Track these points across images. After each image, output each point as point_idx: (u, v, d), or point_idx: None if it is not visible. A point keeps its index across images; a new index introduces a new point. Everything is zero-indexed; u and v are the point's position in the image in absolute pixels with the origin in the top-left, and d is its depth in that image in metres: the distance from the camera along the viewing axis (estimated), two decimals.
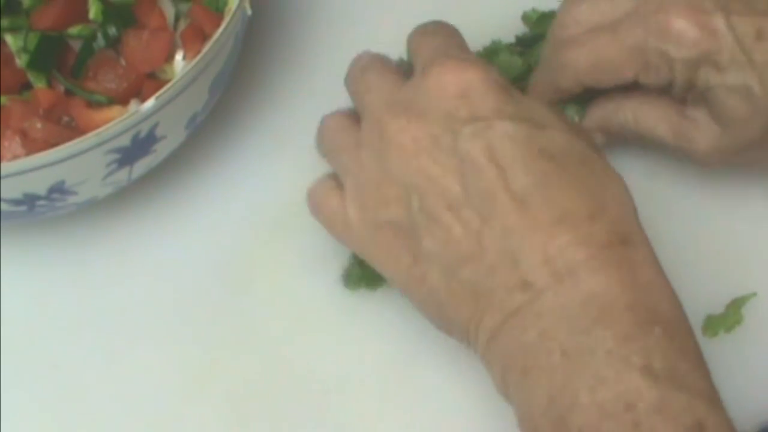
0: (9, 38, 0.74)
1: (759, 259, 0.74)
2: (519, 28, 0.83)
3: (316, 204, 0.69)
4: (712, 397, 0.57)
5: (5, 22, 0.74)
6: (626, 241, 0.59)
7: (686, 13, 0.66)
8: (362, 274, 0.73)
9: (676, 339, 0.57)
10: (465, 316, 0.60)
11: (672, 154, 0.75)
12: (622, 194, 0.62)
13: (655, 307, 0.58)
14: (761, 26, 0.66)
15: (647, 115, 0.72)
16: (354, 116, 0.69)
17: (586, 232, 0.58)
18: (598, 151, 0.63)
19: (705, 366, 0.58)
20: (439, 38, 0.68)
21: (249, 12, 0.73)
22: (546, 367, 0.56)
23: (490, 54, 0.79)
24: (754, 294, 0.72)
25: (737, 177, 0.78)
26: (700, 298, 0.72)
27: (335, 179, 0.68)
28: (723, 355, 0.71)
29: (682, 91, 0.69)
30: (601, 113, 0.74)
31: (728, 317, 0.72)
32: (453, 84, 0.61)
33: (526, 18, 0.83)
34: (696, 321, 0.72)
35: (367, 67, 0.69)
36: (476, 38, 0.81)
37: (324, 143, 0.70)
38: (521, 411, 0.58)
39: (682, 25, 0.66)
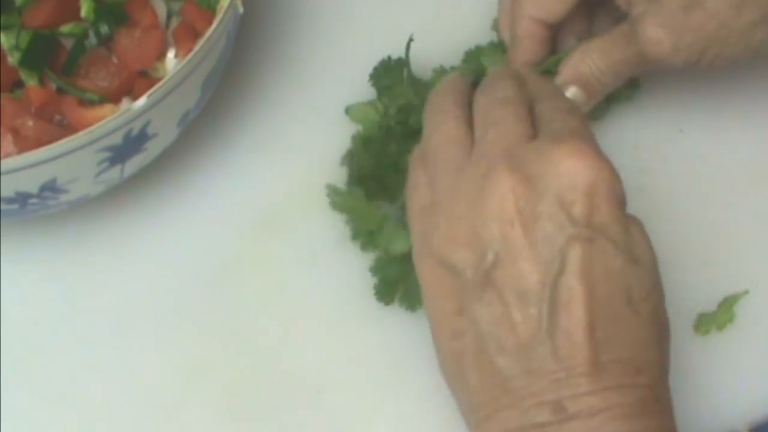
0: (1, 36, 0.74)
1: (751, 258, 0.75)
2: None
3: (411, 164, 0.68)
4: None
5: None
6: (658, 401, 0.59)
7: None
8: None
9: None
10: (481, 399, 0.59)
11: (646, 70, 0.76)
12: (667, 351, 0.62)
13: None
14: None
15: (606, 43, 0.74)
16: (467, 124, 0.66)
17: (631, 383, 0.57)
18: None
19: None
20: (570, 112, 0.66)
21: (241, 10, 0.73)
22: None
23: (472, 57, 0.80)
24: (746, 292, 0.72)
25: (731, 175, 0.78)
26: (692, 296, 0.73)
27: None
28: (715, 353, 0.71)
29: None
30: (570, 65, 0.75)
31: (720, 315, 0.72)
32: (583, 175, 0.58)
33: (496, 26, 0.83)
34: (688, 319, 0.72)
35: (508, 101, 0.66)
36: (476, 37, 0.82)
37: (430, 143, 0.67)
38: None
39: None
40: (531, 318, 0.57)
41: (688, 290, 0.73)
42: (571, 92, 0.74)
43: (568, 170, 0.59)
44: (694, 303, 0.72)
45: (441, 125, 0.66)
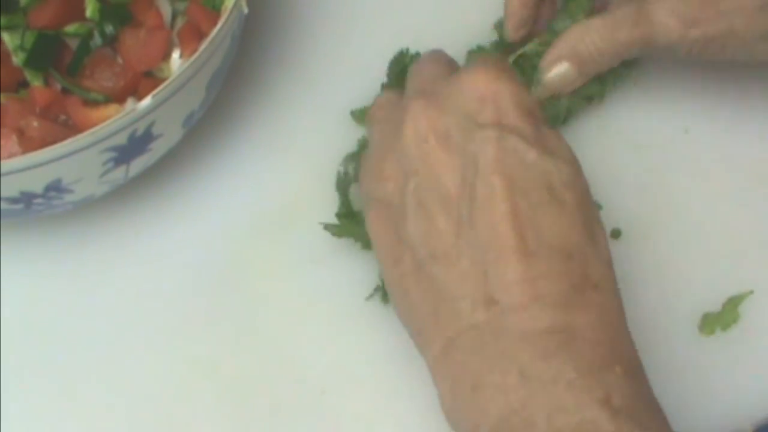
0: (6, 36, 0.74)
1: (756, 258, 0.74)
2: None
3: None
4: None
5: (2, 21, 0.74)
6: (597, 287, 0.59)
7: None
8: None
9: (634, 380, 0.57)
10: (424, 313, 0.60)
11: (644, 54, 0.76)
12: (603, 243, 0.62)
13: (617, 348, 0.58)
14: None
15: (608, 23, 0.73)
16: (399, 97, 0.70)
17: (563, 269, 0.58)
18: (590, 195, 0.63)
19: (661, 411, 0.58)
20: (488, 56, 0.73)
21: (245, 10, 0.73)
22: (501, 387, 0.56)
23: (475, 57, 0.80)
24: (751, 292, 0.72)
25: (737, 175, 0.78)
26: (697, 296, 0.73)
27: None
28: (719, 353, 0.71)
29: None
30: (568, 39, 0.74)
31: (725, 315, 0.72)
32: (484, 87, 0.62)
33: (498, 26, 0.83)
34: (693, 319, 0.72)
35: (432, 58, 0.71)
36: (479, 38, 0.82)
37: (369, 113, 0.72)
38: (466, 427, 0.58)
39: None
40: (454, 221, 0.59)
41: (693, 290, 0.73)
42: (562, 67, 0.74)
43: (472, 85, 0.62)
44: (699, 303, 0.72)
45: (378, 98, 0.73)
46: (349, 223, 0.73)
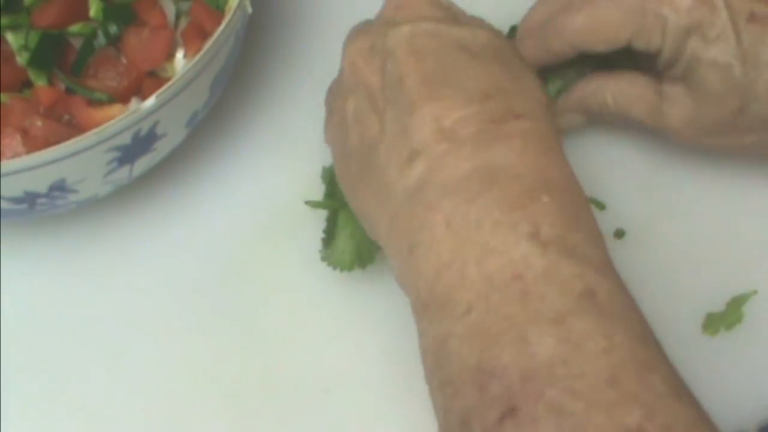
0: (10, 36, 0.74)
1: (760, 257, 0.74)
2: None
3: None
4: (603, 264, 0.56)
5: (6, 20, 0.74)
6: (522, 116, 0.58)
7: None
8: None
9: (566, 208, 0.56)
10: (370, 202, 0.62)
11: (651, 131, 0.75)
12: (532, 86, 0.62)
13: (544, 176, 0.57)
14: (754, 9, 0.66)
15: (625, 95, 0.73)
16: None
17: (480, 108, 0.58)
18: (520, 56, 0.66)
19: (598, 235, 0.57)
20: None
21: (249, 10, 0.73)
22: (431, 242, 0.55)
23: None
24: (755, 292, 0.72)
25: (739, 175, 0.78)
26: (700, 296, 0.72)
27: None
28: (723, 353, 0.71)
29: (667, 63, 0.69)
30: (581, 93, 0.75)
31: (729, 315, 0.72)
32: None
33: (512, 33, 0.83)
34: (696, 319, 0.72)
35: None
36: None
37: None
38: (411, 294, 0.58)
39: None
40: (381, 111, 0.61)
41: (697, 290, 0.73)
42: (570, 117, 0.76)
43: (385, 3, 0.67)
44: (703, 303, 0.72)
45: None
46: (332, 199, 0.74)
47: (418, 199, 0.57)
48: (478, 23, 0.66)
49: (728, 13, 0.66)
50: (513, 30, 0.79)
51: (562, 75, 0.76)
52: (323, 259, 0.72)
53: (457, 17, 0.65)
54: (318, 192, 0.77)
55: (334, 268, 0.71)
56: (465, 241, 0.54)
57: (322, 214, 0.74)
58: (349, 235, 0.71)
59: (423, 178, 0.57)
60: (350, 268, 0.71)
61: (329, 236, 0.72)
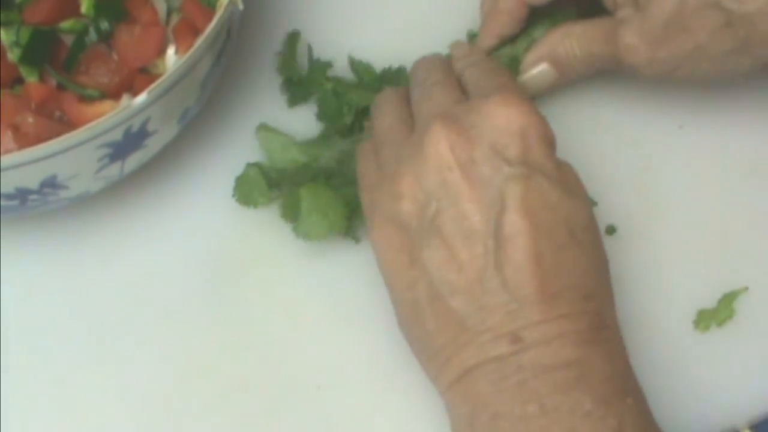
0: (1, 32, 0.73)
1: (751, 254, 0.74)
2: None
3: (360, 154, 0.73)
4: None
5: None
6: (608, 327, 0.61)
7: None
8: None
9: (643, 412, 0.60)
10: (440, 342, 0.61)
11: (616, 71, 0.78)
12: (609, 280, 0.63)
13: (626, 381, 0.60)
14: None
15: (588, 34, 0.76)
16: (410, 115, 0.71)
17: (581, 310, 0.59)
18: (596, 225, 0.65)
19: None
20: (500, 76, 0.71)
21: (241, 6, 0.73)
22: (521, 416, 0.58)
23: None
24: (746, 288, 0.72)
25: (732, 171, 0.78)
26: (692, 292, 0.73)
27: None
28: (715, 350, 0.71)
29: None
30: (549, 43, 0.77)
31: (720, 311, 0.72)
32: (513, 120, 0.62)
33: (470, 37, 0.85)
34: (688, 315, 0.72)
35: (437, 82, 0.71)
36: None
37: (375, 101, 0.75)
38: None
39: None
40: (478, 256, 0.59)
41: (688, 286, 0.73)
42: (541, 68, 0.77)
43: (498, 117, 0.62)
44: (694, 299, 0.72)
45: (386, 113, 0.72)
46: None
47: (510, 374, 0.58)
48: (576, 183, 0.64)
49: None
50: (473, 36, 0.82)
51: (529, 34, 0.79)
52: (295, 232, 0.73)
53: (560, 166, 0.63)
54: None
55: (306, 239, 0.73)
56: (556, 422, 0.57)
57: None
58: (314, 206, 0.73)
59: (520, 358, 0.58)
60: (324, 237, 0.73)
61: (294, 211, 0.74)
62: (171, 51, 0.75)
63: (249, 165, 0.76)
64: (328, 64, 0.82)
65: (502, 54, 0.79)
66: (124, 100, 0.73)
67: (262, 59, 0.85)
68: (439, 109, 0.66)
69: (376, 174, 0.69)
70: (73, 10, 0.75)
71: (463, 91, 0.71)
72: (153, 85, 0.66)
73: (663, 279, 0.73)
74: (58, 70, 0.74)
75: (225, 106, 0.82)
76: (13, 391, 0.71)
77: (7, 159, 0.64)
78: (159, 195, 0.78)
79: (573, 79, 0.79)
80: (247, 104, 0.83)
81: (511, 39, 0.79)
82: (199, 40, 0.69)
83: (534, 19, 0.79)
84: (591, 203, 0.64)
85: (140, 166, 0.74)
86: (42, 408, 0.71)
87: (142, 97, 0.66)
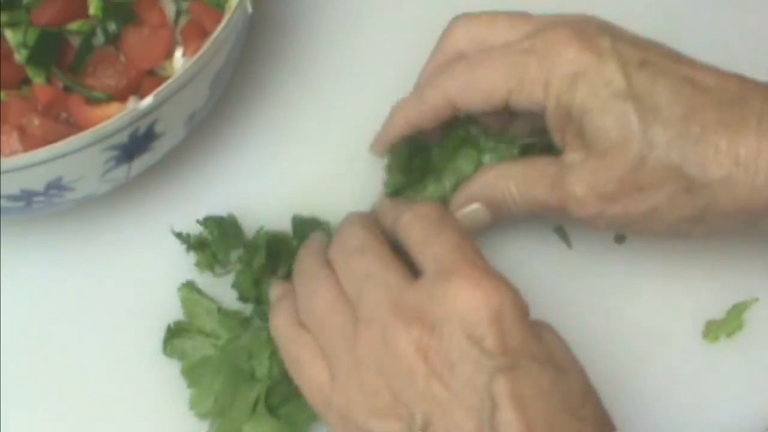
0: (9, 33, 0.74)
1: (761, 265, 0.74)
2: None
3: (292, 356, 0.64)
4: None
5: (5, 17, 0.74)
6: None
7: (571, 32, 0.66)
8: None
9: None
10: None
11: (554, 218, 0.73)
12: None
13: None
14: (645, 57, 0.64)
15: (528, 177, 0.68)
16: (338, 282, 0.63)
17: None
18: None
19: None
20: (452, 234, 0.62)
21: (249, 9, 0.73)
22: None
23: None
24: (756, 299, 0.72)
25: None
26: (701, 303, 0.72)
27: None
28: (724, 361, 0.71)
29: (555, 122, 0.66)
30: (482, 183, 0.70)
31: (729, 322, 0.71)
32: (484, 305, 0.56)
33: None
34: (697, 326, 0.72)
35: (364, 248, 0.64)
36: None
37: (310, 312, 0.64)
38: None
39: (565, 40, 0.65)
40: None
41: (697, 297, 0.72)
42: (473, 208, 0.70)
43: (467, 305, 0.56)
44: (703, 310, 0.72)
45: (316, 292, 0.63)
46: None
47: None
48: (563, 352, 0.59)
49: (617, 58, 0.64)
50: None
51: (456, 167, 0.74)
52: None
53: (542, 337, 0.58)
54: (318, 192, 0.77)
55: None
56: None
57: (324, 214, 0.74)
58: None
59: None
60: None
61: None
62: (179, 53, 0.75)
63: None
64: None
65: (427, 193, 0.74)
66: (131, 102, 0.73)
67: (270, 62, 0.85)
68: (388, 298, 0.59)
69: (321, 368, 0.61)
70: (81, 12, 0.75)
71: (400, 253, 0.64)
72: (160, 88, 0.66)
73: (672, 289, 0.73)
74: (65, 71, 0.74)
75: (233, 109, 0.82)
76: (14, 393, 0.71)
77: (13, 160, 0.64)
78: (165, 197, 0.78)
79: (512, 219, 0.71)
80: (256, 106, 0.83)
81: (436, 177, 0.74)
82: (207, 43, 0.68)
83: (461, 148, 0.74)
84: (582, 369, 0.59)
85: (147, 168, 0.74)
86: (44, 410, 0.71)
87: (148, 100, 0.66)
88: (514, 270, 0.73)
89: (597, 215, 0.66)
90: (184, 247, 0.74)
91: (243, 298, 0.72)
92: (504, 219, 0.71)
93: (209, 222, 0.74)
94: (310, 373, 0.62)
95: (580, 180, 0.65)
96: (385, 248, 0.63)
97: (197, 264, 0.74)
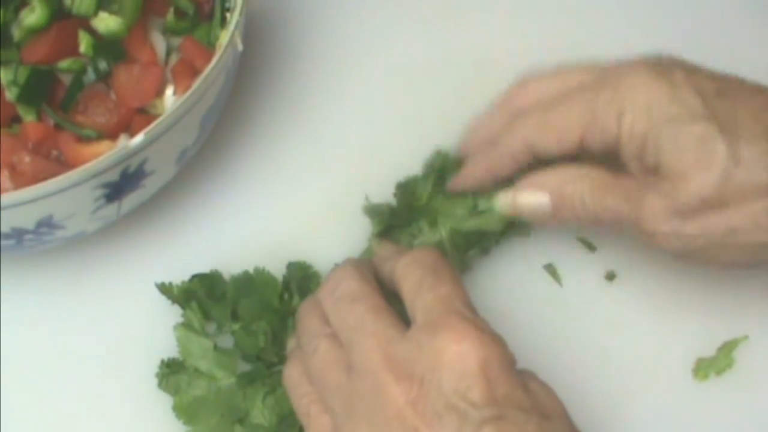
0: None
1: (751, 302, 0.74)
2: None
3: (302, 410, 0.64)
4: None
5: None
6: None
7: (644, 66, 0.65)
8: None
9: None
10: None
11: (613, 231, 0.72)
12: None
13: None
14: (722, 87, 0.64)
15: (606, 186, 0.67)
16: (336, 337, 0.63)
17: None
18: None
19: None
20: (443, 284, 0.62)
21: (240, 47, 0.73)
22: None
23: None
24: (746, 337, 0.72)
25: None
26: (691, 341, 0.72)
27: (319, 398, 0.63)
28: (713, 399, 0.71)
29: (631, 153, 0.66)
30: (558, 176, 0.69)
31: (719, 360, 0.71)
32: (469, 358, 0.56)
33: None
34: (687, 363, 0.71)
35: (357, 295, 0.63)
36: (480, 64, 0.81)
37: (311, 368, 0.64)
38: None
39: (637, 74, 0.65)
40: None
41: (687, 334, 0.72)
42: (540, 200, 0.69)
43: (452, 358, 0.56)
44: (693, 347, 0.72)
45: (316, 350, 0.63)
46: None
47: None
48: (548, 399, 0.58)
49: (693, 88, 0.64)
50: (399, 186, 0.76)
51: (475, 203, 0.74)
52: None
53: (527, 385, 0.58)
54: (307, 229, 0.77)
55: None
56: None
57: (314, 250, 0.74)
58: None
59: None
60: None
61: None
62: (169, 91, 0.75)
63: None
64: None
65: (424, 239, 0.74)
66: (122, 140, 0.73)
67: (261, 99, 0.85)
68: (378, 349, 0.59)
69: (326, 421, 0.62)
70: (72, 50, 0.75)
71: (391, 311, 0.63)
72: (150, 126, 0.66)
73: (662, 327, 0.73)
74: (56, 109, 0.74)
75: (224, 147, 0.82)
76: (14, 422, 0.71)
77: (4, 199, 0.64)
78: (156, 235, 0.78)
79: (566, 222, 0.70)
80: (246, 144, 0.83)
81: (431, 222, 0.74)
82: (198, 81, 0.69)
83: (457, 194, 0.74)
84: (566, 414, 0.58)
85: (137, 206, 0.74)
86: None
87: (139, 138, 0.66)
88: (505, 307, 0.73)
89: (672, 233, 0.65)
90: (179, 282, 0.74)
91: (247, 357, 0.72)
92: (562, 221, 0.69)
93: (196, 280, 0.74)
94: (316, 427, 0.63)
95: (660, 194, 0.64)
96: (377, 296, 0.63)
97: (186, 324, 0.73)
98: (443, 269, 0.63)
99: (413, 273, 0.63)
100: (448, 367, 0.56)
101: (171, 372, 0.70)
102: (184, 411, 0.69)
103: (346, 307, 0.62)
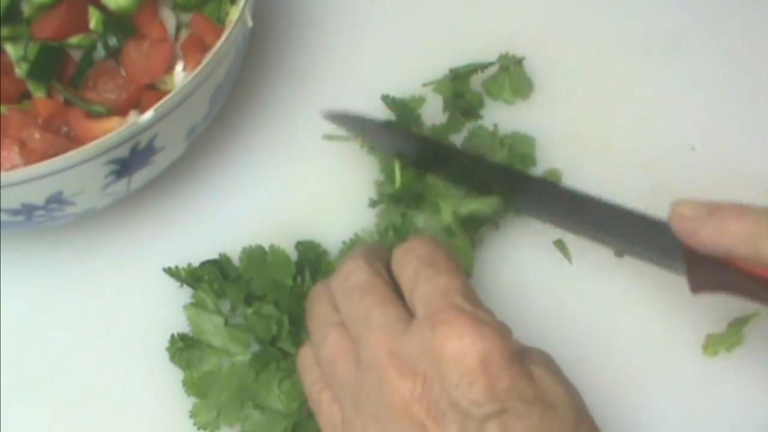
0: (9, 47, 0.73)
1: None
2: None
3: (314, 397, 0.64)
4: None
5: (6, 31, 0.74)
6: None
7: None
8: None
9: None
10: None
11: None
12: None
13: None
14: None
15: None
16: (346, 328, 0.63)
17: None
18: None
19: None
20: (440, 275, 0.61)
21: (250, 23, 0.73)
22: None
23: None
24: (757, 314, 0.72)
25: (743, 193, 0.77)
26: (701, 317, 0.72)
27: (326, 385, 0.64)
28: (723, 375, 0.70)
29: None
30: (746, 228, 0.62)
31: (729, 337, 0.71)
32: (469, 354, 0.56)
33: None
34: (696, 340, 0.71)
35: (366, 286, 0.63)
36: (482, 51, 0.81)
37: (322, 359, 0.64)
38: None
39: None
40: None
41: (697, 311, 0.72)
42: (725, 241, 0.63)
43: (454, 355, 0.56)
44: (703, 324, 0.72)
45: (325, 339, 0.64)
46: None
47: None
48: (554, 386, 0.58)
49: None
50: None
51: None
52: None
53: (531, 375, 0.57)
54: (319, 204, 0.77)
55: None
56: None
57: (325, 225, 0.75)
58: None
59: None
60: None
61: None
62: (179, 67, 0.75)
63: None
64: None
65: (430, 222, 0.75)
66: (132, 116, 0.73)
67: (271, 75, 0.85)
68: (384, 342, 0.59)
69: (335, 411, 0.62)
70: (82, 26, 0.74)
71: (400, 302, 0.62)
72: (160, 103, 0.66)
73: (672, 303, 0.73)
74: (66, 85, 0.74)
75: (233, 123, 0.82)
76: (16, 406, 0.71)
77: (13, 175, 0.64)
78: (166, 211, 0.78)
79: (706, 249, 0.64)
80: (255, 120, 0.83)
81: (433, 207, 0.75)
82: (208, 57, 0.68)
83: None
84: (574, 398, 0.58)
85: (147, 182, 0.74)
86: (44, 421, 0.71)
87: (149, 114, 0.66)
88: (514, 282, 0.73)
89: None
90: (189, 259, 0.74)
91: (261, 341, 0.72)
92: (704, 247, 0.64)
93: (206, 266, 0.74)
94: (326, 416, 0.63)
95: None
96: (387, 288, 0.63)
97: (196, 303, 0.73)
98: (439, 259, 0.62)
99: (409, 264, 0.63)
100: (449, 364, 0.56)
101: (185, 346, 0.71)
102: (194, 385, 0.70)
103: (356, 298, 0.62)
